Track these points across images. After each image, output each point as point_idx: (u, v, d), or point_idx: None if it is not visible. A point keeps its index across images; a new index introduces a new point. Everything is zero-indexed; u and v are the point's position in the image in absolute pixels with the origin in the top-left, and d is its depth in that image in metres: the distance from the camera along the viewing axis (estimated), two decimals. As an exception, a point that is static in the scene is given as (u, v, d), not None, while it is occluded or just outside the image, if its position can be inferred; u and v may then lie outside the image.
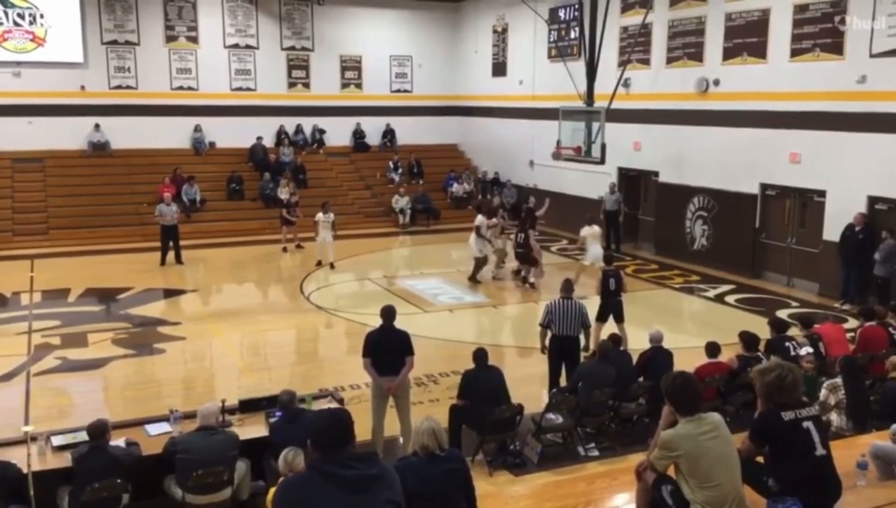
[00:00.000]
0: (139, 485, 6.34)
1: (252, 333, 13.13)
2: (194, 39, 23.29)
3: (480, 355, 8.14)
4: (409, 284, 15.98)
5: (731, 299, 14.85)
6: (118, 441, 6.62)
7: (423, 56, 25.97)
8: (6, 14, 21.22)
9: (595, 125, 17.35)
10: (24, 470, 6.23)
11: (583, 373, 8.48)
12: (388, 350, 7.94)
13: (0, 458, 6.23)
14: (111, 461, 6.22)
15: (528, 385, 9.70)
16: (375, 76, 25.55)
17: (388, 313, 8.08)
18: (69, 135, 21.73)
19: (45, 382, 10.54)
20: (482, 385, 7.95)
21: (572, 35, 20.88)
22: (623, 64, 18.57)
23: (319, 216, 17.07)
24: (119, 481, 6.16)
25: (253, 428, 7.17)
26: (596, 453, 8.21)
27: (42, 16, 21.55)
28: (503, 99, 24.18)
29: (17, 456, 6.37)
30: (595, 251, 15.11)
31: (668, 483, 4.60)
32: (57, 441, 6.73)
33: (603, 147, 17.08)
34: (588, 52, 18.13)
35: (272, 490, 4.71)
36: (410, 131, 25.72)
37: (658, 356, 8.81)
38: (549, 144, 19.43)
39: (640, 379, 8.79)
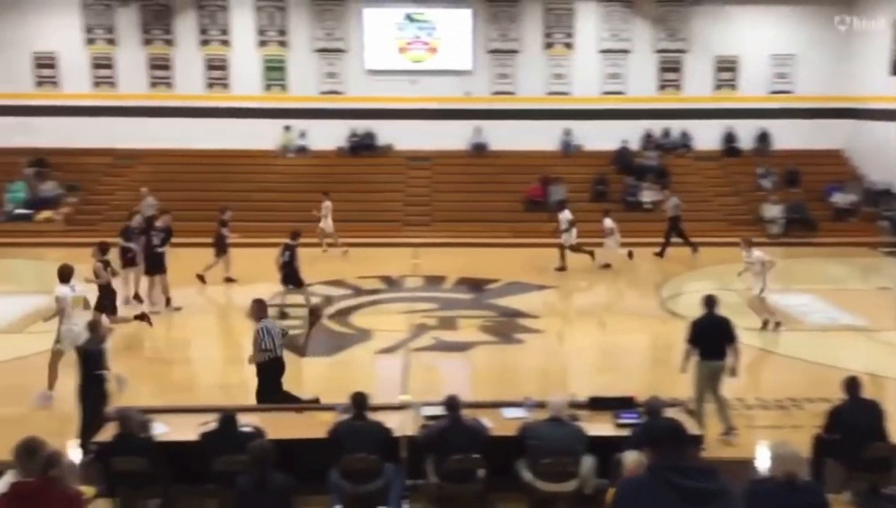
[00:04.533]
0: (493, 463, 6.79)
1: (607, 333, 13.30)
2: (570, 45, 24.15)
3: (851, 386, 7.37)
4: (776, 299, 14.95)
5: None
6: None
7: (807, 54, 23.98)
8: (409, 27, 23.92)
9: None
10: (398, 433, 7.05)
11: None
12: (712, 335, 8.58)
13: (378, 420, 7.09)
14: (469, 434, 6.78)
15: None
16: (752, 76, 24.21)
17: (711, 301, 8.81)
18: (454, 137, 23.81)
19: (421, 358, 11.75)
20: (853, 419, 7.19)
21: None
22: None
23: (608, 222, 17.12)
24: (477, 456, 6.70)
25: (601, 426, 7.30)
26: None
27: (437, 28, 23.92)
28: (903, 100, 21.42)
29: (392, 421, 7.22)
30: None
31: None
32: (426, 411, 7.48)
33: None
34: None
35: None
36: (787, 135, 23.93)
37: None
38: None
39: None
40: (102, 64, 23.91)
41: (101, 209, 21.36)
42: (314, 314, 13.48)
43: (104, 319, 11.61)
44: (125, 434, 6.79)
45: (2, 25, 23.28)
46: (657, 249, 18.61)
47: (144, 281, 14.31)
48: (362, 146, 24.01)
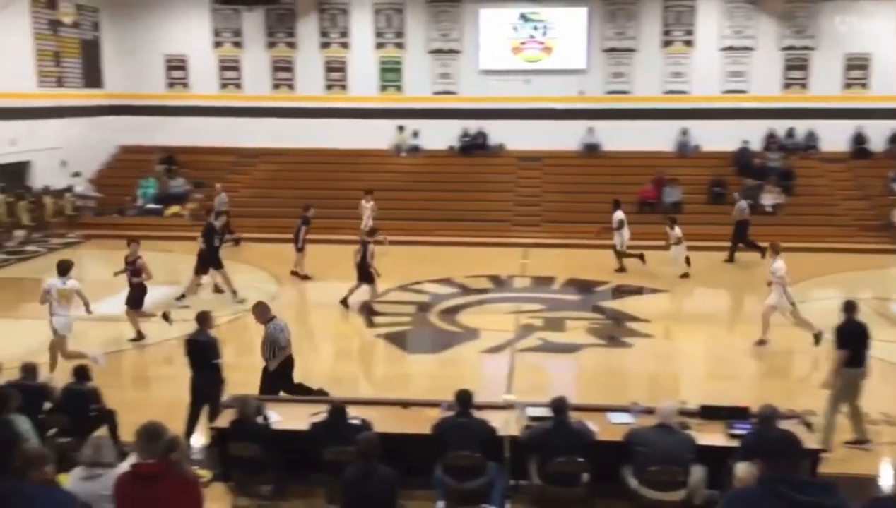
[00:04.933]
0: (597, 468, 6.70)
1: (720, 339, 12.89)
2: (690, 43, 23.53)
3: None
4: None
5: None
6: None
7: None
8: (523, 27, 23.85)
9: None
10: (502, 432, 7.05)
11: None
12: (856, 341, 8.30)
13: (482, 418, 7.10)
14: (574, 437, 6.71)
15: None
16: (885, 74, 22.86)
17: (851, 307, 8.53)
18: (567, 136, 23.58)
19: (527, 358, 11.71)
20: None
21: None
22: None
23: (677, 231, 16.54)
24: (581, 460, 6.62)
25: (712, 436, 7.07)
26: None
27: (552, 27, 23.75)
28: None
29: (496, 420, 7.22)
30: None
31: None
32: (531, 412, 7.45)
33: None
34: None
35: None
36: (926, 136, 22.53)
37: None
38: None
39: None
40: (229, 66, 25.01)
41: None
42: (369, 310, 13.82)
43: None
44: (241, 421, 7.06)
45: (137, 29, 24.70)
46: (730, 255, 17.99)
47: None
48: (474, 146, 24.15)
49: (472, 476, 6.75)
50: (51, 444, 7.00)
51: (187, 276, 14.70)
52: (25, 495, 3.00)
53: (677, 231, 16.56)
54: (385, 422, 7.19)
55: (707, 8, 23.35)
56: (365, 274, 13.89)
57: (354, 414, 7.16)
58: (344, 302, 13.95)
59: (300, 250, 16.25)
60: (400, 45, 24.45)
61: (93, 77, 24.25)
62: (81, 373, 8.07)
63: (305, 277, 16.25)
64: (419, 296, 15.08)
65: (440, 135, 24.02)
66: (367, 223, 18.39)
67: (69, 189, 22.14)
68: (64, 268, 10.54)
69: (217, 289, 14.87)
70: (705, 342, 12.81)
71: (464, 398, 7.02)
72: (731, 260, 18.12)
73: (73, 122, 22.83)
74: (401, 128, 24.33)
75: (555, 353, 12.09)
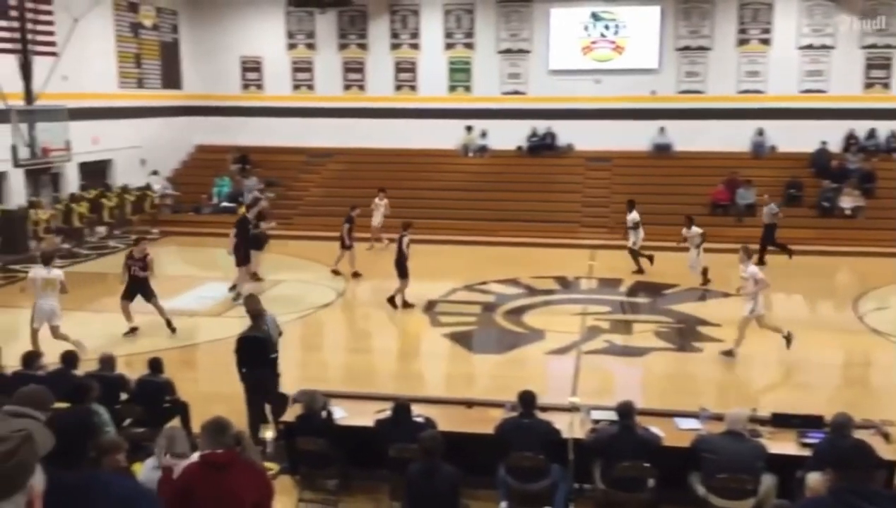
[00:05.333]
0: (664, 474, 6.60)
1: (795, 346, 12.50)
2: (767, 41, 22.96)
3: None
4: None
5: None
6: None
7: None
8: (594, 26, 23.63)
9: None
10: (566, 435, 7.00)
11: None
12: None
13: (546, 420, 7.07)
14: (640, 442, 6.62)
15: None
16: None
17: None
18: (637, 137, 23.26)
19: (592, 361, 11.60)
20: None
21: None
22: None
23: (694, 230, 15.91)
24: (647, 465, 6.53)
25: (783, 444, 6.90)
26: None
27: (624, 26, 23.46)
28: None
29: (560, 422, 7.18)
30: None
31: None
32: (596, 415, 7.38)
33: None
34: None
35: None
36: None
37: None
38: None
39: None
40: (302, 68, 25.46)
41: (296, 204, 22.76)
42: (405, 303, 13.89)
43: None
44: (309, 415, 7.18)
45: (214, 31, 25.36)
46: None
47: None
48: (542, 146, 24.03)
49: (535, 478, 6.73)
50: (125, 434, 7.23)
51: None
52: (101, 481, 3.13)
53: (695, 230, 16.01)
54: (449, 421, 7.22)
55: (785, 6, 22.74)
56: (401, 268, 13.95)
57: (418, 412, 7.21)
58: (405, 304, 14.04)
59: (346, 248, 16.38)
60: (469, 46, 24.50)
61: (171, 78, 25.00)
62: (155, 365, 8.32)
63: (356, 274, 16.35)
64: (485, 296, 15.08)
65: (508, 136, 23.96)
66: (379, 221, 18.65)
67: (148, 187, 22.85)
68: (47, 258, 11.26)
69: (257, 278, 15.09)
70: (777, 347, 12.44)
71: (527, 399, 7.00)
72: (761, 261, 17.10)
73: (151, 122, 23.58)
74: (469, 129, 24.37)
75: (621, 356, 11.95)
